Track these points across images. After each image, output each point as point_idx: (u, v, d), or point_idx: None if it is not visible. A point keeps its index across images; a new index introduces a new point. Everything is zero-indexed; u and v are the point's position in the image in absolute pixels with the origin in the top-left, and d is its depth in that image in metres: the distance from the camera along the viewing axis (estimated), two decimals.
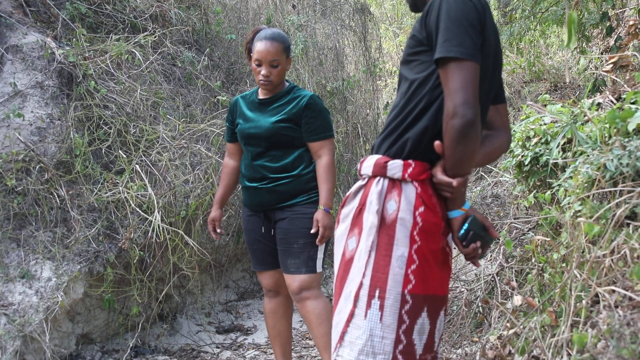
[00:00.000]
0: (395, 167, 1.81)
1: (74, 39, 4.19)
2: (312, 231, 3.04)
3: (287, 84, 3.20)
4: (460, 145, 1.67)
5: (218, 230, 3.37)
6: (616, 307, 2.05)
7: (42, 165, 3.61)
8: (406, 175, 1.80)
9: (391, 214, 1.79)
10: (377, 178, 1.85)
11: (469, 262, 1.94)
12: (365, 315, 1.80)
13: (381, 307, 1.78)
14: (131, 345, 3.80)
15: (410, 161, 1.80)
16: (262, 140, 3.10)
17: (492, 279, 3.76)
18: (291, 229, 3.07)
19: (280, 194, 3.09)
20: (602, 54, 5.14)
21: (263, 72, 3.04)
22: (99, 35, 4.51)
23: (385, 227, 1.80)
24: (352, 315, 1.82)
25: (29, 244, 3.47)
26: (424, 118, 1.80)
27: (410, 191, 1.80)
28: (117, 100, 4.15)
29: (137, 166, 3.96)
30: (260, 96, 3.18)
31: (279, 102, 3.12)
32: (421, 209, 1.78)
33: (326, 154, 3.11)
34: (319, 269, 3.11)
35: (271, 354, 4.00)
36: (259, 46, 3.04)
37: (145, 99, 4.32)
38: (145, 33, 4.67)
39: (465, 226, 1.80)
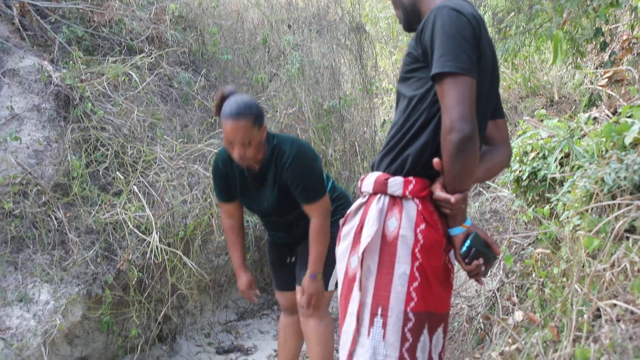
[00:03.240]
0: (396, 184, 1.81)
1: (71, 62, 4.21)
2: (298, 298, 3.02)
3: (268, 142, 2.92)
4: (458, 160, 1.66)
5: (257, 293, 3.24)
6: (618, 321, 2.04)
7: (39, 188, 3.60)
8: (407, 193, 1.79)
9: (392, 232, 1.79)
10: (378, 195, 1.84)
11: (470, 279, 1.93)
12: (369, 334, 1.80)
13: (384, 325, 1.77)
14: None
15: (410, 178, 1.80)
16: (268, 212, 3.04)
17: (493, 295, 3.74)
18: None
19: (304, 231, 3.03)
20: (596, 68, 5.16)
21: (237, 153, 2.77)
22: (95, 58, 4.53)
23: (387, 245, 1.79)
24: (357, 333, 1.82)
25: (26, 267, 3.45)
26: (423, 134, 1.79)
27: (411, 208, 1.79)
28: (114, 122, 4.16)
29: (134, 187, 3.95)
30: (247, 169, 2.98)
31: (267, 173, 2.94)
32: (422, 226, 1.78)
33: (316, 216, 2.94)
34: (330, 287, 3.10)
35: None
36: (225, 126, 2.73)
37: (142, 120, 4.33)
38: (142, 55, 4.69)
39: (467, 243, 1.79)
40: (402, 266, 1.77)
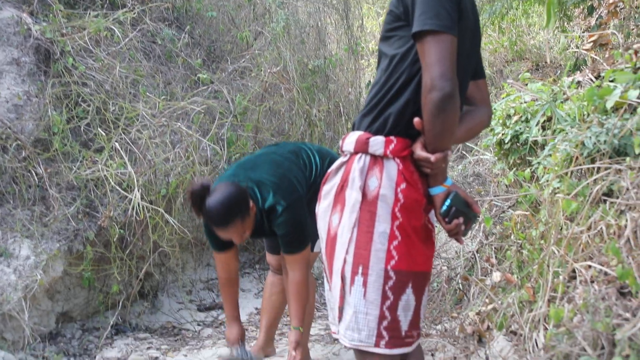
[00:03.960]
0: (377, 143, 1.80)
1: (51, 15, 4.12)
2: (292, 352, 2.98)
3: (251, 202, 2.82)
4: (438, 119, 1.66)
5: (241, 346, 3.21)
6: (592, 282, 2.08)
7: (19, 142, 3.56)
8: (388, 152, 1.79)
9: (372, 191, 1.79)
10: (359, 154, 1.84)
11: (450, 240, 1.94)
12: (350, 292, 1.82)
13: (364, 284, 1.79)
14: (112, 323, 3.79)
15: (392, 137, 1.80)
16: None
17: (472, 256, 3.79)
18: None
19: None
20: (583, 32, 5.15)
21: (235, 240, 2.83)
22: (76, 12, 4.43)
23: (367, 204, 1.80)
24: (343, 290, 1.84)
25: (6, 222, 3.43)
26: (405, 93, 1.78)
27: (392, 168, 1.79)
28: (95, 78, 4.10)
29: (116, 144, 3.92)
30: None
31: (263, 226, 2.95)
32: (403, 185, 1.78)
33: (297, 269, 2.94)
34: (316, 248, 3.12)
35: (252, 331, 4.02)
36: (217, 231, 2.77)
37: (125, 76, 4.27)
38: (124, 9, 4.59)
39: (448, 202, 1.80)
40: (382, 225, 1.78)
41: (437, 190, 1.81)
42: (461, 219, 1.81)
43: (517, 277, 2.87)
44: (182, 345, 3.80)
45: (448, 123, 1.68)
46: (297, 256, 2.93)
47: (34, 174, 3.60)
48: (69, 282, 3.75)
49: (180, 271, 4.46)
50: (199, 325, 4.17)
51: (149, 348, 3.73)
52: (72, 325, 3.83)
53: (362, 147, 1.83)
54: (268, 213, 2.89)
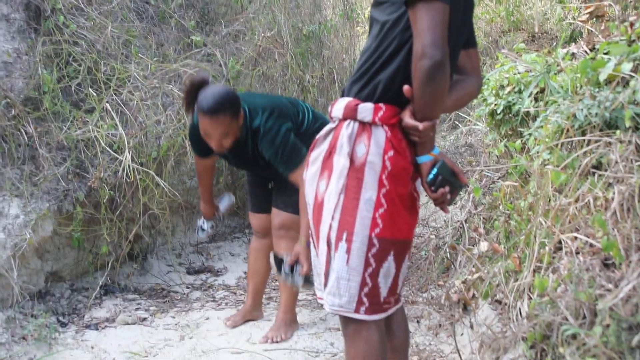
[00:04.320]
0: (366, 110, 1.80)
1: None
2: (288, 262, 2.96)
3: (241, 121, 2.92)
4: (428, 87, 1.65)
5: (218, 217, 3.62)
6: (577, 253, 2.10)
7: (8, 100, 3.52)
8: (376, 119, 1.79)
9: (360, 158, 1.79)
10: (347, 121, 1.84)
11: (438, 208, 1.95)
12: (334, 257, 1.83)
13: (348, 250, 1.81)
14: (101, 283, 3.81)
15: (381, 105, 1.79)
16: (250, 169, 3.29)
17: (461, 226, 3.81)
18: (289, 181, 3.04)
19: None
20: (580, 4, 5.11)
21: (214, 144, 2.83)
22: None
23: (354, 171, 1.80)
24: (329, 256, 1.85)
25: None
26: (395, 60, 1.77)
27: (380, 135, 1.79)
28: (87, 37, 4.04)
29: (107, 105, 3.88)
30: None
31: (246, 146, 2.99)
32: (390, 153, 1.78)
33: (302, 184, 2.97)
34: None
35: (240, 294, 4.05)
36: (203, 122, 2.77)
37: (117, 36, 4.21)
38: None
39: (434, 171, 1.80)
40: (369, 192, 1.79)
41: (424, 159, 1.81)
42: (447, 188, 1.82)
43: (504, 247, 2.89)
44: (171, 307, 3.83)
45: (437, 91, 1.67)
46: (298, 173, 2.89)
47: (24, 133, 3.57)
48: (59, 242, 3.75)
49: (170, 234, 4.47)
50: (187, 288, 4.20)
51: (137, 309, 3.76)
52: (61, 284, 3.84)
53: (350, 114, 1.83)
54: (254, 133, 2.93)
